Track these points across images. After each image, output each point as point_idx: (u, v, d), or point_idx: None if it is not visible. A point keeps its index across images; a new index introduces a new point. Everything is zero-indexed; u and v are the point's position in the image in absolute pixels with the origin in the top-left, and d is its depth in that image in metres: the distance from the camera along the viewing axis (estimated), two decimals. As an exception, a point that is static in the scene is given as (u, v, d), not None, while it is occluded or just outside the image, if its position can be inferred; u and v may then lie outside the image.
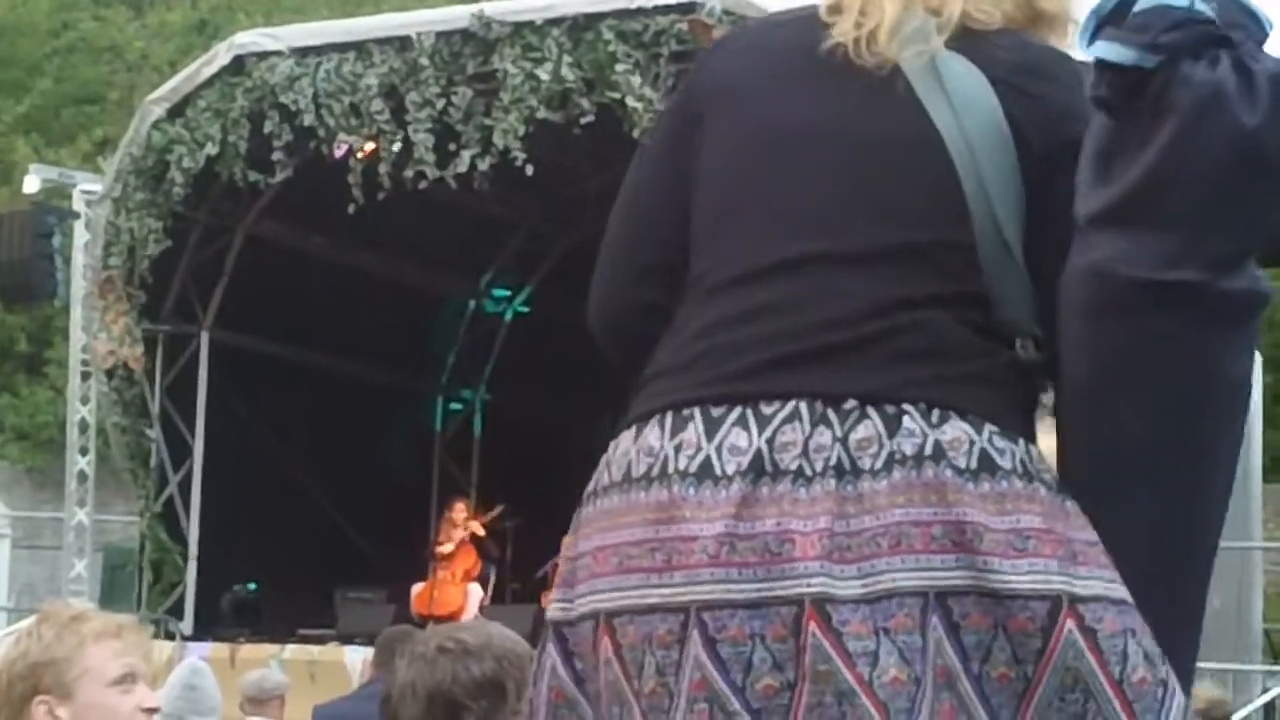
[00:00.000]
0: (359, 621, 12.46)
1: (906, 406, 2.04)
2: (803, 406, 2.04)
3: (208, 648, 11.94)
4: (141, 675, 3.32)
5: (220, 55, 12.89)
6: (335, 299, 14.12)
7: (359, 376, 14.54)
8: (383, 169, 12.13)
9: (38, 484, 23.47)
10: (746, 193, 2.21)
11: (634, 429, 2.14)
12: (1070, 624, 2.00)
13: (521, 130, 11.54)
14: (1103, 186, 2.05)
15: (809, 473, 2.02)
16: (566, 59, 11.38)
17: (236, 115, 12.63)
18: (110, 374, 13.78)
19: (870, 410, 2.03)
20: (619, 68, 11.04)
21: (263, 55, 12.65)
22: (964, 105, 2.15)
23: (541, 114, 11.48)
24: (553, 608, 2.19)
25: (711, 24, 10.69)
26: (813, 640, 1.97)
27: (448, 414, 16.29)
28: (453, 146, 11.93)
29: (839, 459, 2.02)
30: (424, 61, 12.04)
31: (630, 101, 10.98)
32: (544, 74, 11.46)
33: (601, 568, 2.10)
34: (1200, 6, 2.01)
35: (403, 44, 12.22)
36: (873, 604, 1.98)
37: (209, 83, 12.83)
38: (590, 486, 2.18)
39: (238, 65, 12.72)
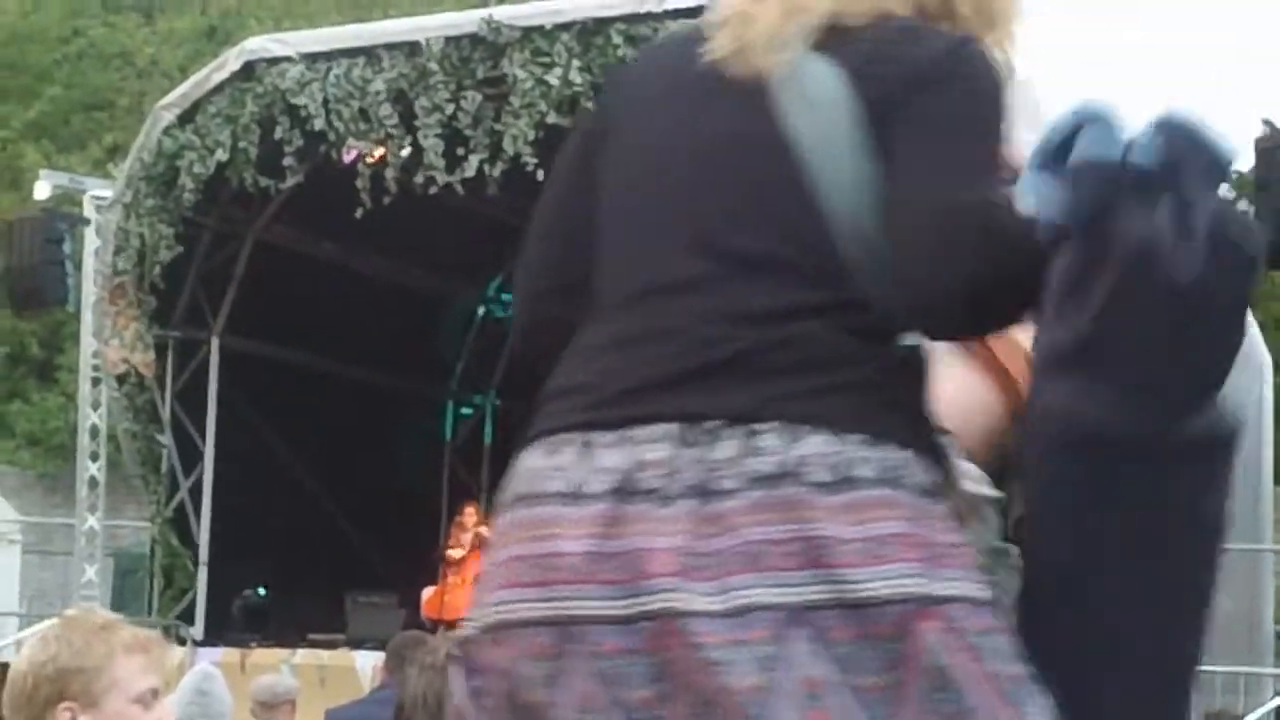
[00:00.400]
0: (369, 626, 12.47)
1: (767, 425, 2.05)
2: (670, 429, 2.07)
3: (219, 653, 11.95)
4: (162, 692, 3.33)
5: (230, 61, 12.91)
6: (345, 304, 14.13)
7: (369, 381, 14.56)
8: (391, 174, 12.14)
9: (49, 489, 23.49)
10: (622, 215, 2.25)
11: (526, 450, 2.19)
12: (933, 624, 2.01)
13: (531, 135, 11.54)
14: (1060, 327, 2.04)
15: (670, 493, 2.05)
16: (576, 63, 11.38)
17: (247, 121, 12.64)
18: (121, 380, 13.79)
19: (732, 430, 2.06)
20: (628, 72, 11.06)
21: (273, 61, 12.66)
22: (819, 105, 2.16)
23: (551, 119, 11.48)
24: (464, 630, 2.23)
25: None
26: (655, 658, 2.02)
27: (458, 419, 16.30)
28: (461, 151, 11.93)
29: (699, 479, 2.05)
30: (433, 66, 12.04)
31: (640, 106, 10.99)
32: (553, 79, 11.47)
33: (499, 581, 2.14)
34: (1138, 153, 1.97)
35: (412, 49, 12.23)
36: (731, 618, 2.01)
37: (219, 88, 12.85)
38: (497, 502, 2.24)
39: (248, 71, 12.74)
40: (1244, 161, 22.72)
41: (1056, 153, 1.99)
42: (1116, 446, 2.02)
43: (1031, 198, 2.01)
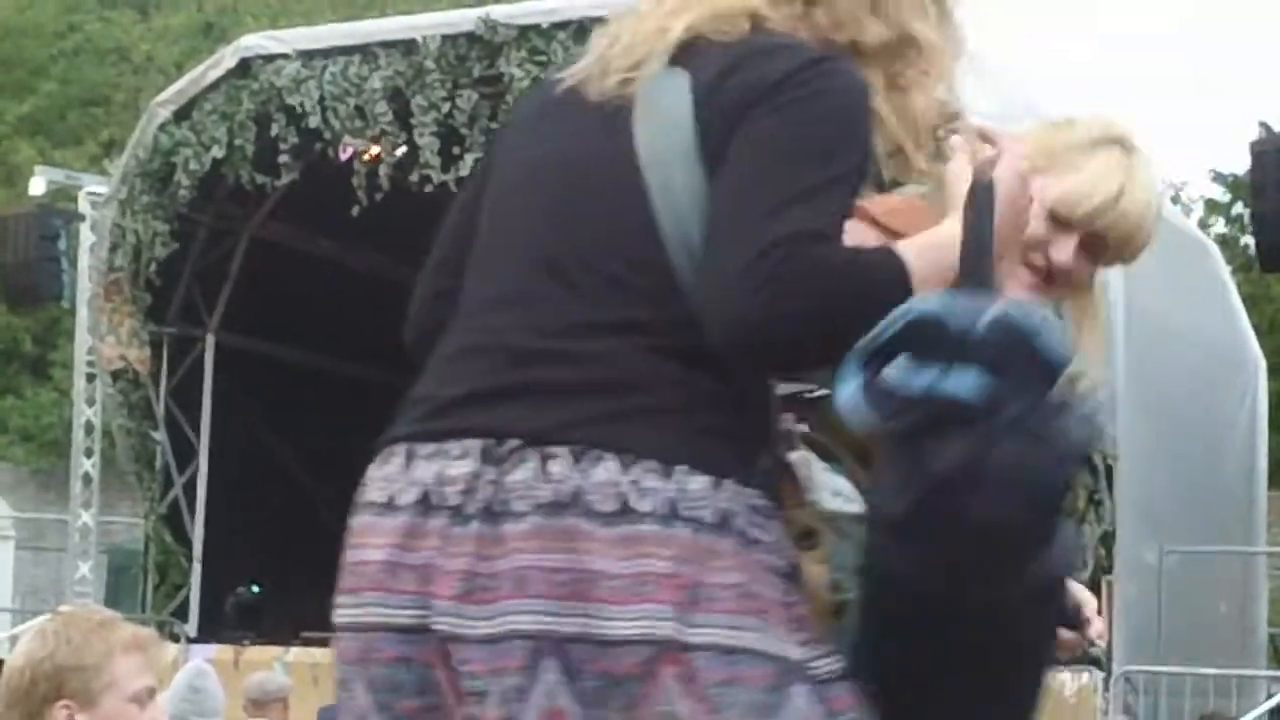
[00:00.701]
0: (363, 624, 12.45)
1: (560, 449, 2.06)
2: (475, 445, 2.10)
3: (212, 650, 11.94)
4: (158, 690, 3.34)
5: (226, 58, 12.90)
6: (341, 302, 14.12)
7: (364, 379, 14.54)
8: (387, 172, 12.14)
9: (42, 486, 23.49)
10: (483, 232, 2.29)
11: (373, 459, 2.25)
12: (670, 670, 2.01)
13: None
14: (889, 491, 2.05)
15: (467, 511, 2.08)
16: (572, 62, 11.39)
17: (242, 118, 12.64)
18: (115, 376, 13.79)
19: (530, 452, 2.07)
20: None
21: (269, 58, 12.66)
22: (664, 121, 2.16)
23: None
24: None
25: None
26: (425, 672, 2.10)
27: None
28: (457, 150, 11.93)
29: (490, 500, 2.07)
30: (429, 65, 12.04)
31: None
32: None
33: (338, 587, 2.23)
34: (954, 383, 1.95)
35: (408, 47, 12.23)
36: (494, 644, 2.05)
37: (215, 85, 12.84)
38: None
39: (244, 68, 12.73)
40: (1239, 164, 22.69)
41: (881, 349, 1.99)
42: (947, 606, 2.04)
43: (845, 390, 2.00)
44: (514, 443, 2.08)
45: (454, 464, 2.10)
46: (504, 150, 2.35)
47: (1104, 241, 2.66)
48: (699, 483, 2.06)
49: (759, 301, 2.01)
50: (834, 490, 2.28)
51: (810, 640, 2.09)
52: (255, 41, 13.02)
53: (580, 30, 11.23)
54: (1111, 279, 10.71)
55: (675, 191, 2.13)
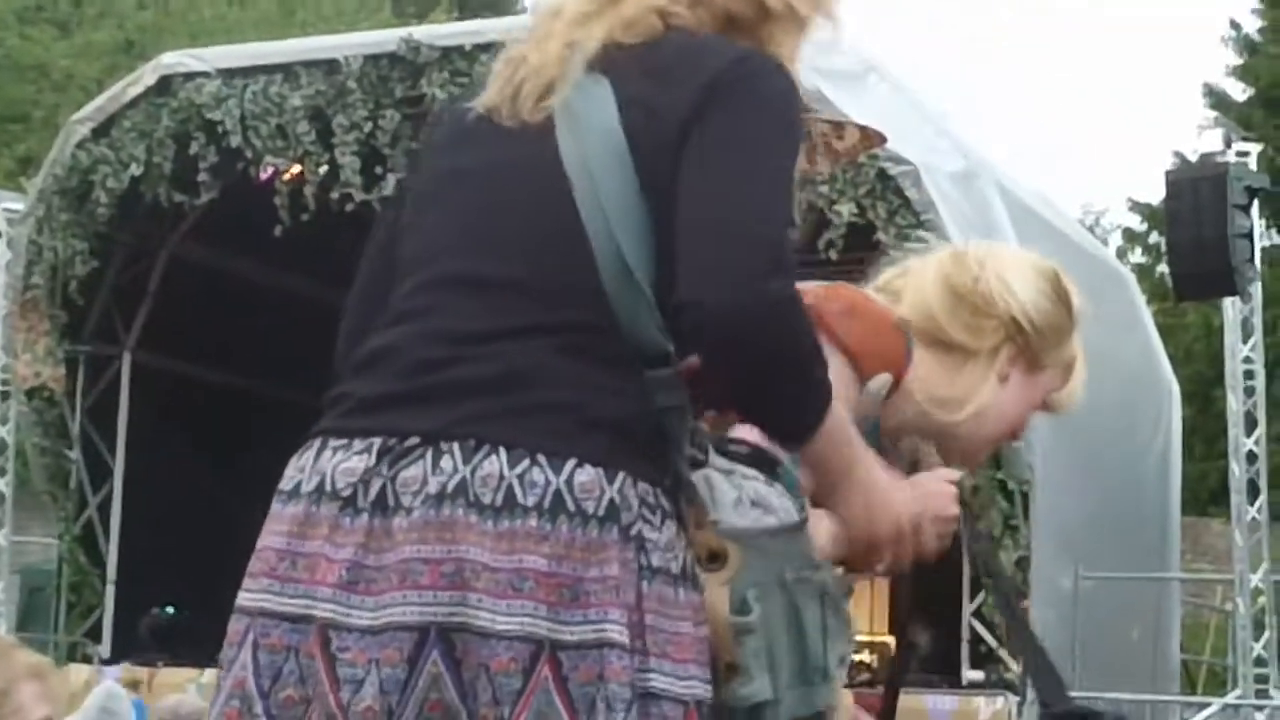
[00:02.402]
0: (279, 646, 12.37)
1: (452, 445, 2.10)
2: (376, 442, 2.14)
3: (124, 671, 11.83)
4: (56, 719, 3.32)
5: (146, 75, 12.82)
6: (261, 321, 14.04)
7: (284, 399, 14.45)
8: (309, 191, 12.09)
9: (-45, 505, 23.18)
10: (410, 237, 2.33)
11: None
12: (547, 670, 2.05)
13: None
14: None
15: (359, 504, 2.12)
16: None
17: (162, 136, 12.56)
18: (30, 395, 13.65)
19: (428, 450, 2.11)
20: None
21: (189, 76, 12.59)
22: (587, 131, 2.19)
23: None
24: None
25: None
26: (307, 662, 2.11)
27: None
28: (380, 170, 11.90)
29: (382, 493, 2.11)
30: (351, 85, 12.01)
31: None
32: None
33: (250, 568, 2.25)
34: None
35: (330, 66, 12.20)
36: (376, 635, 2.07)
37: (134, 103, 12.76)
38: None
39: (164, 86, 12.66)
40: (1154, 194, 22.90)
41: None
42: None
43: None
44: (413, 440, 2.12)
45: (353, 458, 2.14)
46: (421, 172, 2.39)
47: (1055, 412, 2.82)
48: (587, 475, 2.08)
49: (768, 297, 2.06)
50: (753, 501, 2.27)
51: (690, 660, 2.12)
52: (175, 59, 12.95)
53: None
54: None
55: (604, 197, 2.15)
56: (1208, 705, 12.63)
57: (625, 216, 2.15)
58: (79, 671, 11.62)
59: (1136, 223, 27.80)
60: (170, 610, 13.53)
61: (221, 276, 14.12)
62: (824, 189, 10.69)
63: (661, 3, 2.27)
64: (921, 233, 10.15)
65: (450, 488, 2.08)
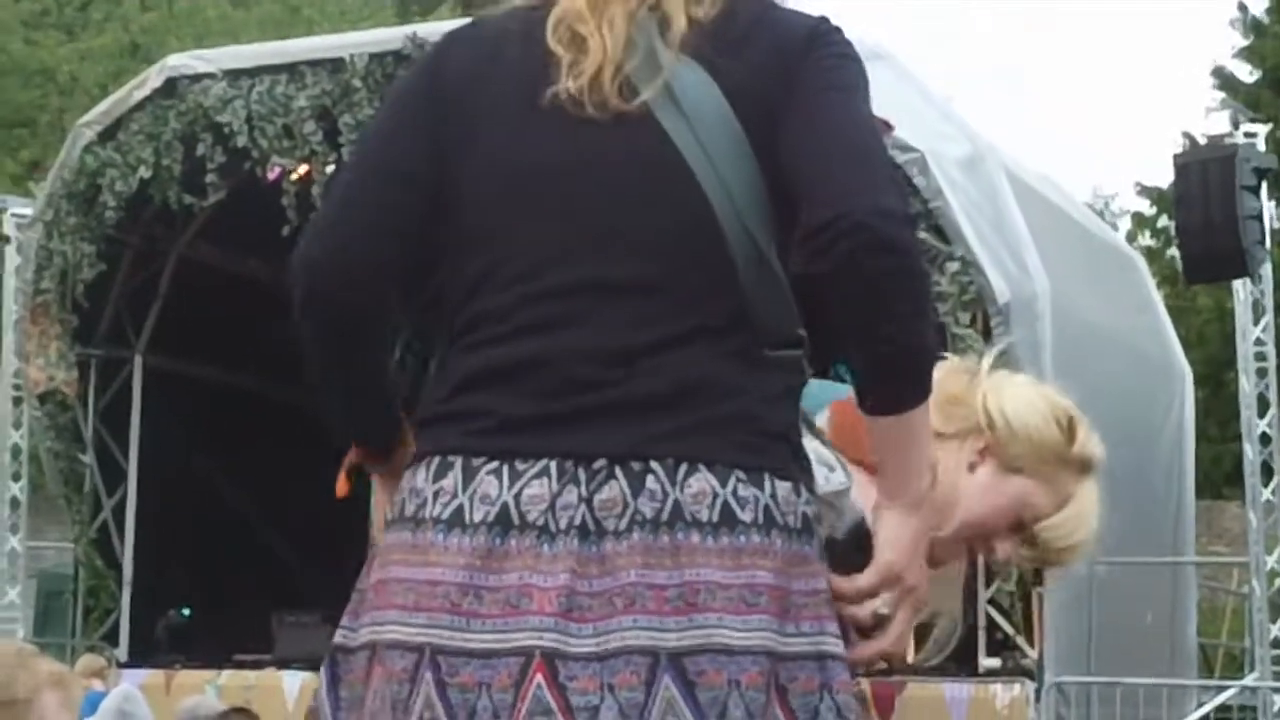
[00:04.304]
0: (296, 645, 12.38)
1: (652, 465, 2.06)
2: (553, 465, 2.07)
3: (144, 674, 11.85)
4: None
5: (152, 78, 12.82)
6: (271, 322, 14.03)
7: (295, 400, 14.47)
8: (316, 191, 12.09)
9: (-30, 511, 23.22)
10: (498, 236, 2.19)
11: (411, 469, 2.18)
12: (770, 681, 2.06)
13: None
14: None
15: (553, 529, 2.05)
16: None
17: (169, 138, 12.56)
18: (43, 399, 13.66)
19: (617, 470, 2.06)
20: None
21: (195, 78, 12.59)
22: (697, 116, 2.14)
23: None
24: (338, 634, 2.25)
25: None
26: (535, 691, 2.02)
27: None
28: (387, 169, 11.88)
29: (584, 519, 2.05)
30: (356, 83, 12.00)
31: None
32: (478, 95, 11.43)
33: (378, 601, 2.15)
34: None
35: (335, 66, 12.19)
36: (603, 661, 2.02)
37: (141, 105, 12.76)
38: (389, 518, 2.22)
39: (170, 88, 12.66)
40: (1163, 177, 22.82)
41: None
42: None
43: None
44: (600, 463, 2.06)
45: (531, 484, 2.07)
46: (494, 137, 2.21)
47: (1045, 556, 2.76)
48: (784, 489, 2.10)
49: (904, 211, 2.10)
50: (818, 459, 2.31)
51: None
52: (181, 61, 12.95)
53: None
54: (1038, 292, 10.80)
55: (731, 183, 2.13)
56: (1225, 689, 12.62)
57: (751, 200, 2.13)
58: (81, 687, 11.63)
59: (1146, 206, 27.76)
60: (186, 612, 13.55)
61: (231, 278, 14.13)
62: (832, 178, 10.66)
63: None
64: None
65: (666, 511, 2.05)
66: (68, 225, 13.06)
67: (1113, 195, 33.86)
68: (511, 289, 2.17)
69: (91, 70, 28.76)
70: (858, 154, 2.13)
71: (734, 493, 2.07)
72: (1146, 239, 27.21)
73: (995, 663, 10.73)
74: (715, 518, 2.06)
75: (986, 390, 2.69)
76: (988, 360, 2.76)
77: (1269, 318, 12.02)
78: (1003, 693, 10.45)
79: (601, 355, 2.10)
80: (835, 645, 2.11)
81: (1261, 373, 12.04)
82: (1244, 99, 21.85)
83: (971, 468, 2.66)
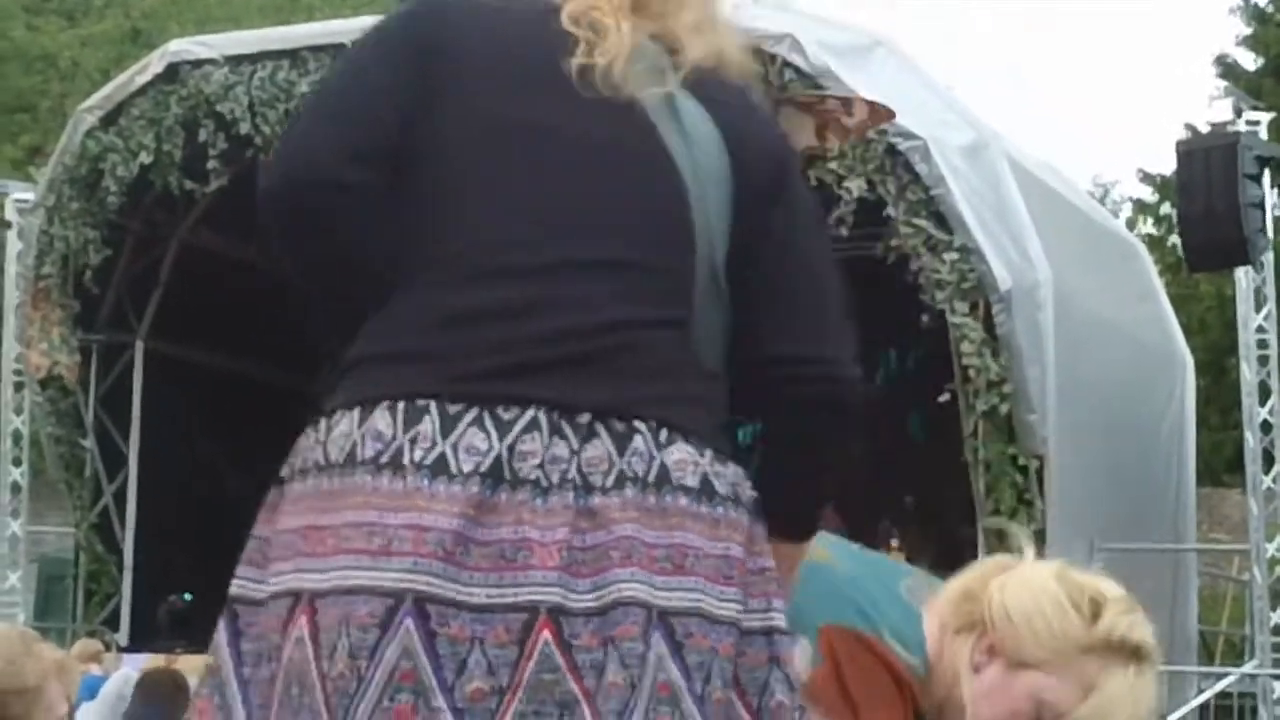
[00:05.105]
0: (297, 631, 12.40)
1: (638, 424, 2.07)
2: (541, 416, 2.04)
3: (144, 659, 11.86)
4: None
5: (154, 63, 12.82)
6: (272, 308, 14.03)
7: (296, 386, 14.50)
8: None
9: (-29, 496, 23.24)
10: (496, 184, 2.17)
11: (357, 411, 2.07)
12: (755, 651, 2.11)
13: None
14: None
15: (545, 484, 2.02)
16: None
17: (171, 123, 12.57)
18: (44, 384, 13.68)
19: (599, 426, 2.05)
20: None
21: (196, 63, 12.59)
22: (695, 140, 2.21)
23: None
24: (236, 586, 2.18)
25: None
26: (543, 649, 1.98)
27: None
28: (388, 154, 11.88)
29: (575, 474, 2.03)
30: (359, 69, 12.00)
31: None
32: (480, 81, 11.43)
33: (311, 548, 2.03)
34: None
35: (337, 51, 12.16)
36: (603, 615, 2.00)
37: (142, 91, 12.76)
38: (296, 464, 2.14)
39: (171, 73, 12.66)
40: (1165, 165, 22.80)
41: None
42: None
43: None
44: (584, 416, 2.05)
45: (523, 437, 2.02)
46: (493, 97, 2.20)
47: None
48: (738, 472, 2.16)
49: (849, 354, 2.26)
50: None
51: None
52: (183, 46, 12.95)
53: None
54: (1040, 280, 10.79)
55: (712, 208, 2.20)
56: (1226, 675, 12.63)
57: (722, 231, 2.20)
58: (79, 672, 11.65)
59: (1148, 194, 27.75)
60: (188, 596, 13.56)
61: (233, 263, 14.12)
62: (833, 165, 10.67)
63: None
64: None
65: (654, 472, 2.06)
66: (69, 211, 13.07)
67: (1113, 182, 33.84)
68: (493, 235, 2.14)
69: (93, 55, 28.75)
70: (834, 304, 2.29)
71: (711, 465, 2.10)
72: (1148, 226, 27.20)
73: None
74: (698, 485, 2.08)
75: (1002, 582, 2.57)
76: (1029, 551, 2.64)
77: (1271, 305, 12.02)
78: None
79: (584, 315, 2.10)
80: (781, 620, 2.14)
81: (1263, 360, 12.04)
82: (1246, 87, 21.82)
83: (978, 668, 2.53)
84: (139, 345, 14.07)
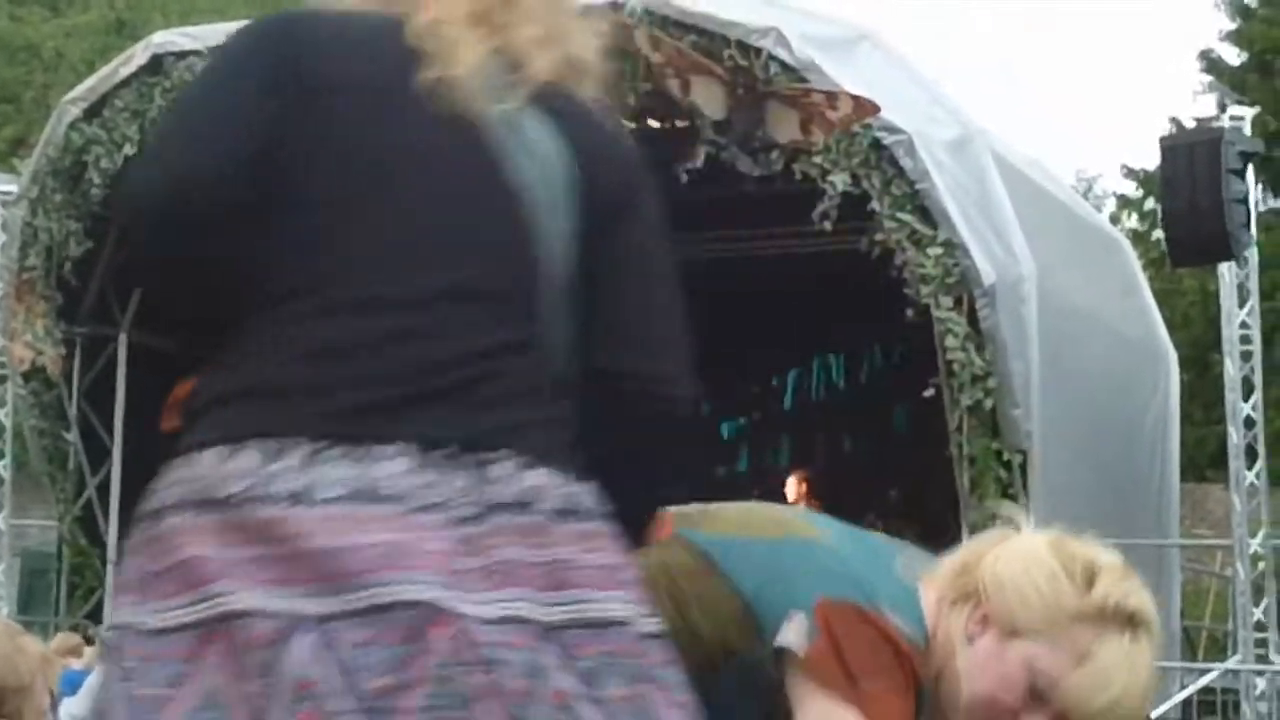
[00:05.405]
0: (280, 624, 12.40)
1: (499, 454, 2.10)
2: (407, 448, 2.07)
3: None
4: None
5: (138, 55, 12.79)
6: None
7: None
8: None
9: (-47, 488, 23.19)
10: (351, 210, 2.17)
11: (229, 450, 2.09)
12: (655, 651, 2.16)
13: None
14: None
15: (413, 505, 2.05)
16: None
17: (155, 115, 12.53)
18: (27, 377, 13.65)
19: (465, 458, 2.09)
20: (540, 68, 11.03)
21: (181, 55, 12.57)
22: (539, 158, 2.23)
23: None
24: (129, 617, 2.14)
25: (632, 24, 10.69)
26: (438, 644, 2.00)
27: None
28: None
29: (441, 500, 2.06)
30: (344, 62, 11.99)
31: (551, 102, 10.97)
32: (465, 74, 11.42)
33: (212, 575, 2.06)
34: None
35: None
36: (496, 624, 2.03)
37: (126, 82, 12.74)
38: (163, 502, 2.20)
39: (155, 65, 12.64)
40: (1149, 159, 22.85)
41: None
42: None
43: None
44: (451, 448, 2.08)
45: (386, 465, 2.06)
46: (350, 120, 2.20)
47: None
48: (594, 487, 2.19)
49: (690, 386, 2.30)
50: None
51: None
52: (167, 38, 12.93)
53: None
54: (1024, 274, 10.81)
55: (555, 227, 2.22)
56: (1209, 671, 12.67)
57: (568, 249, 2.23)
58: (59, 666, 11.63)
59: (1131, 189, 27.79)
60: (171, 590, 13.53)
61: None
62: (818, 159, 10.67)
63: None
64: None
65: (518, 496, 2.10)
66: (53, 202, 13.04)
67: (1096, 177, 33.89)
68: (351, 265, 2.15)
69: (77, 47, 28.70)
70: (667, 319, 2.32)
71: (569, 484, 2.15)
72: (1132, 221, 27.24)
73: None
74: (561, 505, 2.13)
75: (997, 553, 2.57)
76: (1026, 526, 2.64)
77: (1254, 301, 12.04)
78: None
79: (441, 346, 2.13)
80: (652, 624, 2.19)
81: (1246, 356, 12.06)
82: (1230, 82, 21.88)
83: (971, 638, 2.54)
84: (122, 338, 14.04)
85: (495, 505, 2.08)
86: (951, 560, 2.64)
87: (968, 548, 2.66)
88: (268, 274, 2.16)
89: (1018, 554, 2.56)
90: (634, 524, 2.30)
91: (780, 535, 2.66)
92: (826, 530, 2.69)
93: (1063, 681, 2.48)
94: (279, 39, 2.25)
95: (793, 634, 2.52)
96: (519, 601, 2.05)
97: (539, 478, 2.12)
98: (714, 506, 2.77)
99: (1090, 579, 2.52)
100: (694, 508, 2.75)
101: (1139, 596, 2.55)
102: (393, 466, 2.06)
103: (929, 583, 2.62)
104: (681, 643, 2.35)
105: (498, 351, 2.15)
